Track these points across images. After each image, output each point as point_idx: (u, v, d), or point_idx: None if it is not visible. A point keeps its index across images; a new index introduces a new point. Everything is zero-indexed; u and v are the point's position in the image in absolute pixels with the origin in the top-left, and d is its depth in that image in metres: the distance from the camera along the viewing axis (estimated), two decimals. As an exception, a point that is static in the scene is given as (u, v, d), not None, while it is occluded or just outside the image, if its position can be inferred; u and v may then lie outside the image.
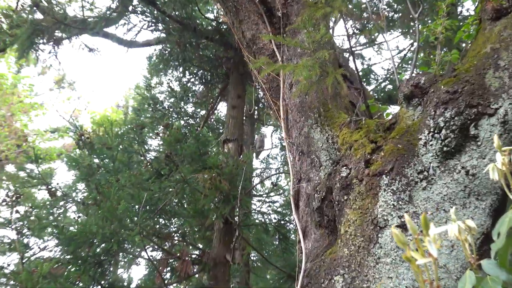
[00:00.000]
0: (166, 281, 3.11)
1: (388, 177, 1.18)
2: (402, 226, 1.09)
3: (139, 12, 4.34)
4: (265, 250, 4.65)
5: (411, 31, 4.83)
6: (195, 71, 5.15)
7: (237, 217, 3.14)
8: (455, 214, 1.07)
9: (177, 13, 4.16)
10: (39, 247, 2.75)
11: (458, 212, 1.05)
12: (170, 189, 2.97)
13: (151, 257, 3.25)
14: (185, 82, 5.30)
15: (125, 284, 3.44)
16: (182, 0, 3.94)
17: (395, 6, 4.71)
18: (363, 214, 1.20)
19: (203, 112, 5.52)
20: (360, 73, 4.95)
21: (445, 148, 1.11)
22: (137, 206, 2.75)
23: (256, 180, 6.00)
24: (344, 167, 1.35)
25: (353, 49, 4.79)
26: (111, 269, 2.95)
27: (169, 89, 5.15)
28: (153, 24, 4.43)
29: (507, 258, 0.54)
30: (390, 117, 1.49)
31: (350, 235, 1.21)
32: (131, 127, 3.54)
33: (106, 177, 3.00)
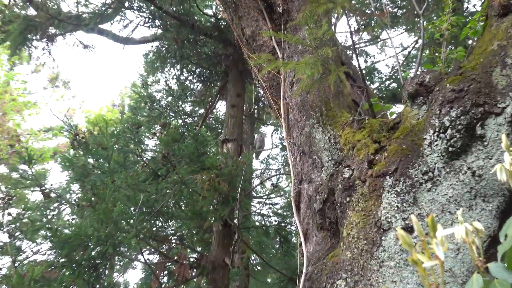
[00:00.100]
0: (163, 285, 3.11)
1: (392, 178, 1.18)
2: (407, 229, 1.09)
3: (135, 8, 4.34)
4: (265, 253, 4.65)
5: (415, 27, 4.83)
6: (193, 69, 5.15)
7: (236, 219, 3.14)
8: (462, 217, 1.07)
9: (174, 8, 4.16)
10: (32, 251, 2.75)
11: (464, 214, 1.05)
12: (168, 191, 2.97)
13: (147, 261, 3.25)
14: (183, 80, 5.29)
15: (121, 288, 3.44)
16: (179, -5, 3.94)
17: (399, 2, 4.71)
18: (366, 216, 1.20)
19: (201, 111, 5.52)
20: (364, 71, 4.95)
21: (450, 148, 1.11)
22: (133, 208, 2.75)
23: (256, 181, 5.99)
24: (347, 168, 1.35)
25: (356, 46, 4.79)
26: (107, 272, 2.95)
27: (166, 87, 5.15)
28: (149, 20, 4.42)
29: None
30: (394, 116, 1.49)
31: (352, 238, 1.21)
32: (127, 126, 3.54)
33: (101, 178, 3.00)
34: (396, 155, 1.21)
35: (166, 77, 5.22)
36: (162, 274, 3.22)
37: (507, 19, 1.21)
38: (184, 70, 5.11)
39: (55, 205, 3.28)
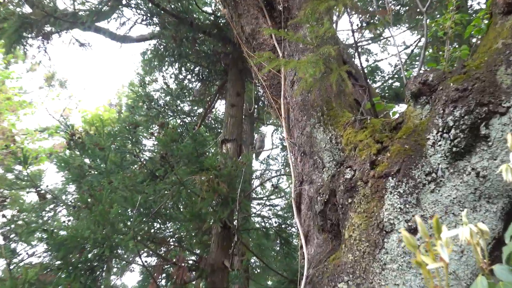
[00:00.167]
0: (161, 288, 3.11)
1: (394, 179, 1.18)
2: (410, 231, 1.09)
3: (132, 5, 4.34)
4: (265, 256, 4.65)
5: (418, 25, 4.84)
6: (191, 68, 5.15)
7: (236, 221, 3.14)
8: (467, 217, 1.07)
9: (172, 6, 4.16)
10: (27, 253, 2.74)
11: (468, 216, 1.05)
12: (166, 192, 2.97)
13: (145, 263, 3.25)
14: (181, 79, 5.30)
15: (118, 291, 3.43)
16: (178, -8, 3.95)
17: (402, 0, 4.72)
18: (368, 218, 1.20)
19: (200, 111, 5.52)
20: (366, 70, 4.95)
21: (454, 149, 1.11)
22: (130, 210, 2.75)
23: (256, 182, 6.00)
24: (348, 169, 1.36)
25: (358, 44, 4.79)
26: (104, 275, 2.94)
27: (164, 86, 5.15)
28: (147, 18, 4.42)
29: (520, 263, 0.54)
30: (396, 116, 1.49)
31: (354, 240, 1.21)
32: (124, 126, 3.54)
33: (98, 178, 3.00)
34: (398, 155, 1.21)
35: (164, 76, 5.23)
36: (160, 277, 3.22)
37: (512, 17, 1.21)
38: (183, 68, 5.11)
39: (51, 206, 3.28)
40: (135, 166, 3.37)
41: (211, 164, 2.91)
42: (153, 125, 4.61)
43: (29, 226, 2.66)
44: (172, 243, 3.50)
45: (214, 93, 5.16)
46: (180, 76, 5.26)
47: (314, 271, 1.34)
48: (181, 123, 5.08)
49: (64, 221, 3.10)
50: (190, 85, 5.38)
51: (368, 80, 1.77)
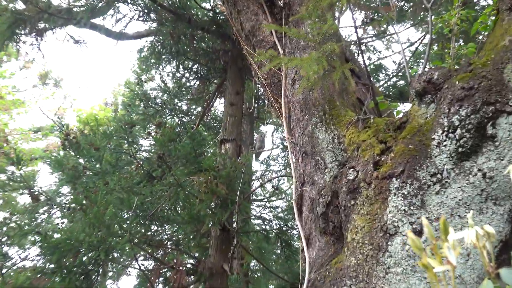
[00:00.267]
0: (158, 293, 3.11)
1: (398, 180, 1.18)
2: (414, 234, 1.09)
3: (129, 1, 4.34)
4: (265, 259, 4.65)
5: (423, 22, 4.84)
6: (189, 65, 5.15)
7: (235, 224, 3.14)
8: (473, 219, 1.07)
9: (170, 2, 4.16)
10: (19, 257, 2.75)
11: (475, 218, 1.05)
12: (163, 193, 2.97)
13: (142, 267, 3.25)
14: (179, 77, 5.30)
15: (114, 296, 3.44)
16: (175, -12, 3.95)
17: (406, -5, 4.72)
18: (371, 220, 1.20)
19: (198, 110, 5.52)
20: (369, 68, 4.96)
21: (460, 149, 1.11)
22: (126, 212, 2.75)
23: (256, 184, 6.00)
24: (351, 170, 1.36)
25: (361, 41, 4.80)
26: (99, 280, 2.94)
27: (162, 84, 5.15)
28: (144, 14, 4.43)
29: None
30: (400, 115, 1.49)
31: (357, 243, 1.21)
32: (120, 126, 3.54)
33: (93, 179, 3.00)
34: (403, 156, 1.21)
35: (161, 74, 5.23)
36: (157, 281, 3.22)
37: (520, 13, 1.21)
38: (181, 66, 5.11)
39: (45, 208, 3.28)
40: (132, 166, 3.37)
41: (209, 164, 2.91)
42: (150, 125, 4.61)
43: (22, 228, 2.66)
44: (169, 246, 3.50)
45: (213, 92, 5.16)
46: (178, 74, 5.26)
47: (316, 275, 1.34)
48: (179, 123, 5.08)
49: (58, 224, 3.10)
50: (188, 83, 5.38)
51: (371, 78, 1.77)
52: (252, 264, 5.05)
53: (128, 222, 2.63)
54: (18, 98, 9.47)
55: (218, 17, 4.40)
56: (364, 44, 5.32)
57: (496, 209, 1.05)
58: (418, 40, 5.15)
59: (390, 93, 5.07)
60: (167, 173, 3.05)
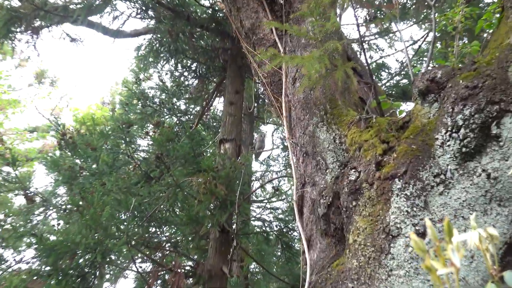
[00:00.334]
0: (156, 296, 3.11)
1: (401, 181, 1.18)
2: (417, 235, 1.10)
3: (126, -2, 4.34)
4: (266, 261, 4.66)
5: (426, 20, 4.84)
6: (188, 64, 5.15)
7: (235, 225, 3.14)
8: (475, 222, 1.07)
9: (168, -1, 4.17)
10: (14, 259, 2.75)
11: (479, 219, 1.05)
12: (161, 194, 2.97)
13: (140, 269, 3.25)
14: (177, 76, 5.30)
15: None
16: (174, -15, 3.95)
17: (410, -8, 4.72)
18: (373, 221, 1.20)
19: (197, 109, 5.53)
20: (371, 66, 4.96)
21: (464, 149, 1.11)
22: (124, 213, 2.75)
23: (255, 184, 6.00)
24: (353, 170, 1.36)
25: (363, 39, 4.79)
26: (96, 282, 2.94)
27: (160, 83, 5.15)
28: (141, 12, 4.43)
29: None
30: (403, 114, 1.49)
31: (359, 245, 1.21)
32: (117, 125, 3.54)
33: (90, 180, 3.00)
34: (405, 156, 1.21)
35: (159, 73, 5.23)
36: (155, 284, 3.22)
37: (525, 10, 1.21)
38: (179, 65, 5.11)
39: (40, 210, 3.28)
40: (129, 167, 3.37)
41: (208, 165, 2.91)
42: (148, 124, 4.61)
43: (17, 230, 2.66)
44: (168, 248, 3.50)
45: (212, 91, 5.16)
46: (176, 73, 5.26)
47: (317, 277, 1.34)
48: (177, 122, 5.08)
49: (54, 225, 3.11)
50: (187, 82, 5.38)
51: (373, 77, 1.78)
52: (252, 266, 5.06)
53: (125, 223, 2.63)
54: (13, 98, 9.48)
55: (218, 15, 4.40)
56: (366, 42, 5.33)
57: (501, 210, 1.05)
58: (421, 38, 5.15)
59: (393, 92, 5.07)
60: (165, 174, 3.06)
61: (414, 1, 4.72)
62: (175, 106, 5.20)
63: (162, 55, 4.83)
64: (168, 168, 2.98)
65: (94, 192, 2.63)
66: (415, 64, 4.98)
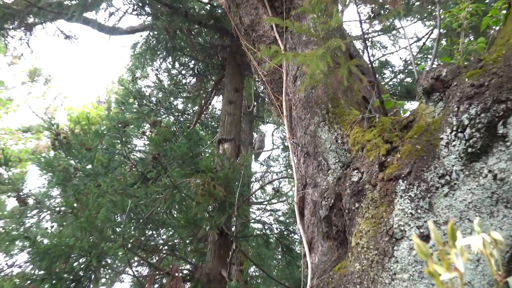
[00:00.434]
0: (153, 300, 3.11)
1: (405, 182, 1.18)
2: (422, 238, 1.10)
3: (122, -6, 4.34)
4: (266, 265, 4.66)
5: (431, 16, 4.84)
6: (186, 61, 5.15)
7: (234, 228, 3.14)
8: (481, 225, 1.07)
9: (165, -5, 4.16)
10: (6, 264, 2.74)
11: (485, 221, 1.05)
12: (158, 196, 2.97)
13: (136, 273, 3.25)
14: (175, 74, 5.30)
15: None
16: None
17: (414, -12, 4.72)
18: (376, 224, 1.20)
19: (195, 108, 5.53)
20: (374, 64, 4.96)
21: (469, 149, 1.11)
22: (120, 215, 2.75)
23: (255, 186, 6.00)
24: (355, 171, 1.36)
25: (366, 37, 4.79)
26: (91, 286, 2.94)
27: (157, 81, 5.15)
28: (138, 8, 4.43)
29: (540, 274, 0.54)
30: (407, 114, 1.49)
31: (362, 248, 1.21)
32: (113, 125, 3.54)
33: (84, 181, 3.00)
34: (409, 156, 1.21)
35: (156, 70, 5.23)
36: (152, 288, 3.21)
37: (532, 7, 1.21)
38: (177, 63, 5.11)
39: (34, 212, 3.28)
40: (125, 167, 3.37)
41: (207, 165, 2.91)
42: (145, 124, 4.61)
43: (10, 233, 2.66)
44: (165, 251, 3.50)
45: (211, 89, 5.16)
46: (174, 71, 5.26)
47: (318, 281, 1.34)
48: (174, 122, 5.08)
49: (47, 228, 3.10)
50: (185, 81, 5.38)
51: (376, 76, 1.78)
52: (251, 270, 5.05)
53: (121, 226, 2.63)
54: (6, 97, 9.47)
55: (216, 11, 4.40)
56: (369, 39, 5.33)
57: (508, 212, 1.05)
58: (426, 35, 5.16)
59: (397, 91, 5.08)
60: (162, 175, 3.05)
61: (418, -3, 4.72)
62: (173, 105, 5.20)
63: (159, 52, 4.83)
64: (165, 169, 2.98)
65: (89, 193, 2.63)
66: (419, 62, 4.99)
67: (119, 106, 5.08)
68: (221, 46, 4.66)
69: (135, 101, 4.89)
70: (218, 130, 4.62)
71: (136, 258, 3.18)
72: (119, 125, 3.40)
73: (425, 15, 4.94)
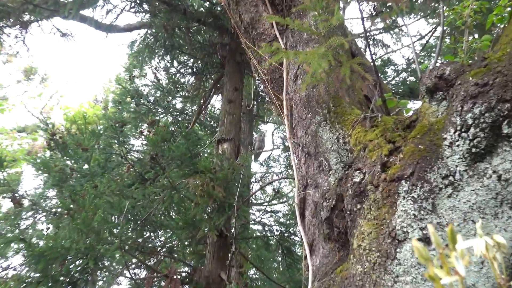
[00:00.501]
0: (151, 304, 3.11)
1: (408, 182, 1.18)
2: (425, 240, 1.10)
3: (120, -9, 4.34)
4: (266, 267, 4.66)
5: (434, 14, 4.85)
6: (185, 60, 5.15)
7: (233, 229, 3.14)
8: (486, 226, 1.07)
9: (164, -8, 4.17)
10: (1, 266, 2.74)
11: (489, 223, 1.05)
12: (156, 197, 2.97)
13: (133, 276, 3.25)
14: (173, 73, 5.30)
15: (104, 307, 3.44)
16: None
17: (417, -15, 4.72)
18: (379, 225, 1.20)
19: (194, 107, 5.53)
20: (376, 63, 4.96)
21: (473, 149, 1.11)
22: (117, 216, 2.75)
23: (255, 186, 6.00)
24: (357, 171, 1.36)
25: (368, 34, 4.80)
26: (87, 289, 2.94)
27: (155, 80, 5.15)
28: (136, 5, 4.43)
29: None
30: (410, 113, 1.49)
31: (364, 250, 1.21)
32: (110, 124, 3.54)
33: (81, 182, 3.00)
34: (412, 157, 1.21)
35: (155, 69, 5.23)
36: (149, 291, 3.21)
37: (537, 4, 1.21)
38: (175, 61, 5.11)
39: (29, 213, 3.28)
40: (123, 168, 3.37)
41: (206, 166, 2.91)
42: (142, 123, 4.61)
43: (5, 235, 2.66)
44: (163, 253, 3.50)
45: (210, 88, 5.16)
46: (172, 69, 5.26)
47: (320, 284, 1.34)
48: (173, 121, 5.08)
49: (43, 230, 3.10)
50: (183, 79, 5.38)
51: (379, 74, 1.78)
52: (251, 272, 5.06)
53: (118, 227, 2.63)
54: (2, 97, 9.47)
55: (215, 8, 4.40)
56: (371, 37, 5.33)
57: (512, 213, 1.05)
58: (429, 33, 5.16)
59: (399, 90, 5.08)
60: (160, 175, 3.06)
61: (422, -6, 4.72)
62: (171, 105, 5.20)
63: (157, 50, 4.83)
64: (164, 169, 2.98)
65: (85, 194, 2.63)
66: (422, 61, 4.99)
67: (116, 106, 5.08)
68: (220, 44, 4.66)
69: (133, 100, 4.89)
70: (217, 129, 4.62)
71: (133, 260, 3.18)
72: (117, 125, 3.40)
73: (429, 12, 4.94)
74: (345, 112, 1.59)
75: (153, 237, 3.54)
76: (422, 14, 5.05)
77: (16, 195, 3.20)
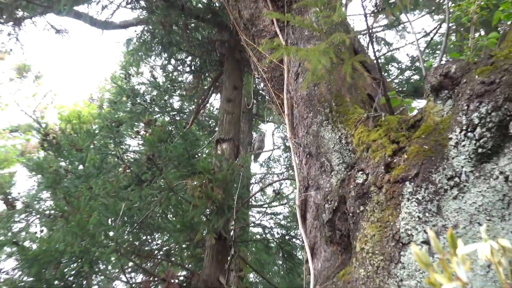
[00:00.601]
0: (147, 309, 3.11)
1: (412, 184, 1.18)
2: (429, 243, 1.10)
3: (116, -14, 4.34)
4: (266, 271, 4.66)
5: (439, 10, 4.85)
6: (182, 58, 5.15)
7: (232, 232, 3.14)
8: (492, 229, 1.07)
9: (161, -13, 4.17)
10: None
11: (496, 225, 1.06)
12: (153, 198, 2.97)
13: (130, 280, 3.25)
14: (170, 71, 5.30)
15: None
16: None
17: (421, -19, 4.72)
18: (382, 228, 1.20)
19: (192, 107, 5.53)
20: (380, 60, 4.96)
21: (480, 150, 1.11)
22: (112, 219, 2.75)
23: (255, 188, 6.01)
24: (360, 172, 1.36)
25: (371, 31, 4.80)
26: (82, 294, 2.94)
27: (151, 79, 5.15)
28: (133, 1, 4.43)
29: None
30: (414, 112, 1.49)
31: (367, 253, 1.21)
32: (105, 124, 3.54)
33: (75, 184, 3.00)
34: (417, 157, 1.21)
35: (152, 67, 5.23)
36: (146, 296, 3.21)
37: (545, 0, 1.21)
38: (172, 59, 5.11)
39: (22, 216, 3.28)
40: (118, 169, 3.37)
41: (204, 167, 2.91)
42: (139, 123, 4.61)
43: (-3, 238, 2.66)
44: (160, 257, 3.50)
45: (208, 87, 5.16)
46: (170, 68, 5.26)
47: (321, 288, 1.34)
48: (170, 121, 5.08)
49: (37, 233, 3.10)
50: (181, 78, 5.39)
51: (382, 72, 1.78)
52: (251, 276, 5.06)
53: (114, 230, 2.63)
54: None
55: (214, 4, 4.40)
56: (374, 34, 5.33)
57: (520, 216, 1.06)
58: (434, 29, 5.16)
59: (403, 88, 5.08)
60: (157, 176, 3.06)
61: (426, -10, 4.73)
62: (168, 104, 5.20)
63: (154, 48, 4.83)
64: (161, 170, 2.99)
65: (80, 196, 2.63)
66: (427, 58, 4.99)
67: (111, 105, 5.08)
68: (219, 41, 4.66)
69: (129, 99, 4.89)
70: (216, 129, 4.62)
71: (130, 264, 3.18)
72: (112, 125, 3.40)
73: (433, 8, 4.95)
74: (347, 111, 1.59)
75: (150, 240, 3.54)
76: (426, 10, 5.05)
77: (9, 197, 3.20)
